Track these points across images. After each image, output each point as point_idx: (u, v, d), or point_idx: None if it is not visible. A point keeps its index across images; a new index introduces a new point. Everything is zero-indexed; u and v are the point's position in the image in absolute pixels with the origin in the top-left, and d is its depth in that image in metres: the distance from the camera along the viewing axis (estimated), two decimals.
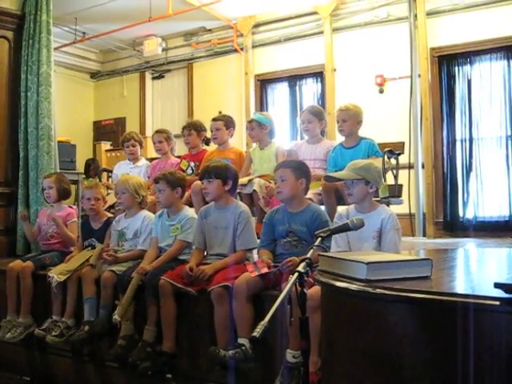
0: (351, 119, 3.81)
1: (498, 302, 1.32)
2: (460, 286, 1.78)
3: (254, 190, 3.78)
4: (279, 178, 3.05)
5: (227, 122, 4.33)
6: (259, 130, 4.16)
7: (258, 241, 3.21)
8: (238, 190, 3.76)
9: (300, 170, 3.10)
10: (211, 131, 4.36)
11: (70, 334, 3.56)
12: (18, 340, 3.76)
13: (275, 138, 4.29)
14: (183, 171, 4.24)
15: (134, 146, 4.77)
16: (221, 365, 2.77)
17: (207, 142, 4.59)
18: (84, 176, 7.12)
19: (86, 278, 3.54)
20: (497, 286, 1.35)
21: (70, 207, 4.30)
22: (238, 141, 4.44)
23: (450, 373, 1.39)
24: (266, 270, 2.87)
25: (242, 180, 3.86)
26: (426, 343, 1.44)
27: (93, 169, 7.44)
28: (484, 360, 1.34)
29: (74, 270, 3.63)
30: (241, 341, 2.79)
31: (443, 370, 1.41)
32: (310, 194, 3.52)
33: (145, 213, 3.70)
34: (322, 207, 3.37)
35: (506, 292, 1.33)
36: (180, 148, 5.28)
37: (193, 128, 4.51)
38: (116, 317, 3.18)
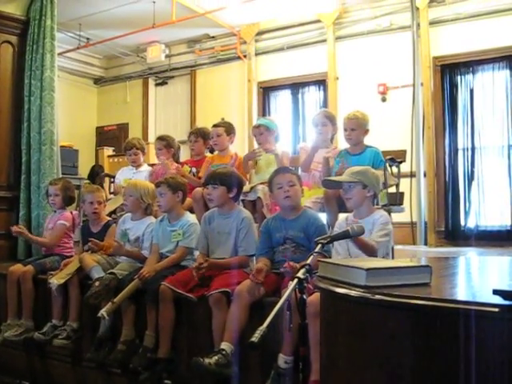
0: (359, 128, 3.74)
1: (496, 309, 1.32)
2: (459, 293, 1.77)
3: (259, 197, 3.79)
4: (287, 183, 3.01)
5: (228, 129, 4.33)
6: (268, 135, 4.16)
7: None
8: (241, 198, 3.77)
9: (300, 178, 3.16)
10: (211, 137, 4.35)
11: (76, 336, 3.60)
12: (18, 340, 3.76)
13: (279, 142, 4.32)
14: None
15: (136, 155, 4.81)
16: (204, 373, 2.74)
17: (212, 150, 4.58)
18: (89, 182, 7.10)
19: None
20: (496, 292, 1.35)
21: (71, 213, 4.31)
22: (240, 147, 4.43)
23: (450, 380, 1.39)
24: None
25: (244, 188, 3.86)
26: (426, 349, 1.44)
27: (100, 177, 7.40)
28: (484, 366, 1.33)
29: (73, 273, 3.64)
30: (223, 346, 2.77)
31: (443, 376, 1.40)
32: (309, 202, 3.53)
33: (150, 219, 3.70)
34: (322, 215, 3.37)
35: (505, 299, 1.33)
36: (184, 153, 5.29)
37: (200, 135, 4.51)
38: (103, 312, 3.15)
